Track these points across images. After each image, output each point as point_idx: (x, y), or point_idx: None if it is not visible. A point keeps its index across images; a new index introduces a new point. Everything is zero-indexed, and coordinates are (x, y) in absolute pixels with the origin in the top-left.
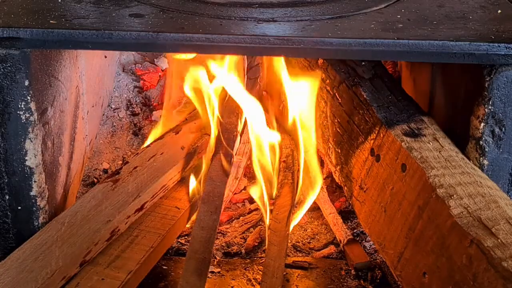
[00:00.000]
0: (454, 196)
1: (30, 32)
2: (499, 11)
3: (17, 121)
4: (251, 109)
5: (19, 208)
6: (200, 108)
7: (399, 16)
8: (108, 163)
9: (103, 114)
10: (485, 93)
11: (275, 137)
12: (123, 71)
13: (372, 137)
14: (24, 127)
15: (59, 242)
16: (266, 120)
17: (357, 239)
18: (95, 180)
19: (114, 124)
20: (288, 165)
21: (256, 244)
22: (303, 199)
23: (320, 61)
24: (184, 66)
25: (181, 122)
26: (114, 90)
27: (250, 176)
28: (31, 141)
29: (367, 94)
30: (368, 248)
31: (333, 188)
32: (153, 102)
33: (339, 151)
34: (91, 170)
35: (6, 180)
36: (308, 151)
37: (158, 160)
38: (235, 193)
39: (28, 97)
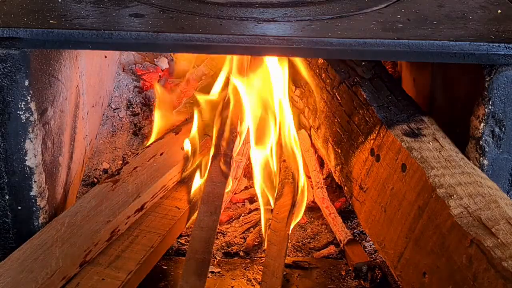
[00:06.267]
0: (454, 196)
1: (30, 32)
2: (499, 11)
3: (17, 121)
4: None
5: (19, 208)
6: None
7: (399, 16)
8: (108, 163)
9: (103, 114)
10: (485, 93)
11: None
12: (123, 71)
13: (372, 137)
14: (24, 127)
15: (59, 242)
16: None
17: (357, 239)
18: (95, 180)
19: (114, 124)
20: (288, 165)
21: (256, 244)
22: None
23: (320, 61)
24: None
25: (181, 122)
26: (114, 90)
27: (250, 176)
28: (31, 141)
29: (367, 94)
30: (368, 248)
31: (333, 188)
32: (153, 102)
33: (339, 151)
34: (91, 170)
35: (6, 180)
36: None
37: (158, 161)
38: (235, 193)
39: (28, 97)
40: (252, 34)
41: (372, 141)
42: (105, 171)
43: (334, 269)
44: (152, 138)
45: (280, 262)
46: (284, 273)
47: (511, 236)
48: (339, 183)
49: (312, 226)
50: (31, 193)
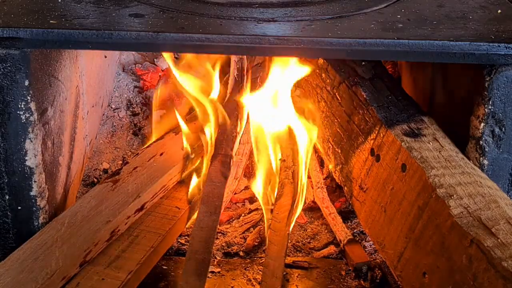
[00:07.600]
0: (454, 196)
1: (30, 32)
2: (499, 11)
3: (17, 121)
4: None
5: (19, 208)
6: (199, 109)
7: (399, 16)
8: (108, 163)
9: (103, 114)
10: (485, 93)
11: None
12: (123, 71)
13: (372, 137)
14: (24, 127)
15: (59, 242)
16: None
17: (357, 239)
18: (95, 180)
19: (114, 124)
20: (288, 165)
21: (256, 244)
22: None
23: (320, 61)
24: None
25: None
26: (114, 90)
27: (250, 176)
28: (31, 141)
29: (367, 94)
30: (368, 248)
31: (333, 188)
32: (151, 101)
33: (339, 151)
34: (91, 170)
35: (6, 180)
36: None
37: (158, 161)
38: (235, 193)
39: (28, 97)
40: (252, 34)
41: (372, 141)
42: (105, 171)
43: (334, 269)
44: (152, 139)
45: (280, 262)
46: (284, 273)
47: (511, 236)
48: (339, 183)
49: (312, 226)
50: (31, 193)
